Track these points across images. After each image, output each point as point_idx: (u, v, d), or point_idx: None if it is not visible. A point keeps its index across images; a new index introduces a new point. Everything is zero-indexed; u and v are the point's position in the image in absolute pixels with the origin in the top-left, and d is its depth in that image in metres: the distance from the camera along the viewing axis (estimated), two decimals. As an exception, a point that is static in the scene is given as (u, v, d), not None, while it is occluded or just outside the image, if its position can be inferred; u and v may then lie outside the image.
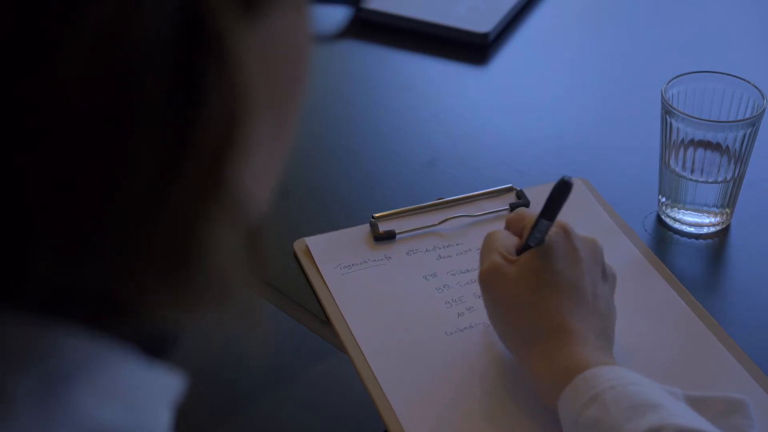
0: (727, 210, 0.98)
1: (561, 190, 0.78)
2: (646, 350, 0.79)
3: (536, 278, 0.77)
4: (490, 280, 0.79)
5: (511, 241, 0.81)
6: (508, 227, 0.84)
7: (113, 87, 0.33)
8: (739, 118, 0.94)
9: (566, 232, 0.79)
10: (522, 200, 0.99)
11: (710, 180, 0.95)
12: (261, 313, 0.39)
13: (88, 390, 0.38)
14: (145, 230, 0.36)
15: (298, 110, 0.44)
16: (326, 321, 0.88)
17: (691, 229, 0.98)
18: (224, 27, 0.35)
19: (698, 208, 0.97)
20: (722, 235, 0.98)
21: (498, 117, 1.16)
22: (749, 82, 0.95)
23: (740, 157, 0.94)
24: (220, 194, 0.37)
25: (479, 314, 0.87)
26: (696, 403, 0.72)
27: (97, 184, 0.34)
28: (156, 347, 0.41)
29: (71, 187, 0.34)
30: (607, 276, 0.80)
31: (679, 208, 0.97)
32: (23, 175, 0.34)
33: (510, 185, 1.01)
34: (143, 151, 0.34)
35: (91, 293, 0.37)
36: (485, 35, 1.26)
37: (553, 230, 0.78)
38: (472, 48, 1.26)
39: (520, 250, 0.79)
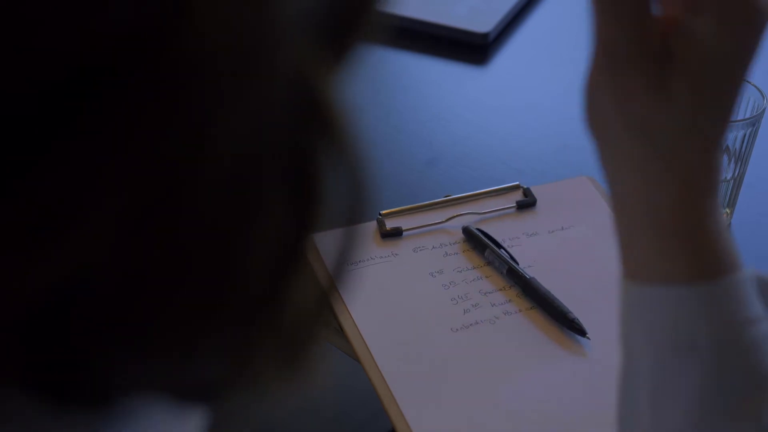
0: (727, 210, 1.01)
1: None
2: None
3: None
4: None
5: None
6: None
7: (240, 185, 0.33)
8: (739, 118, 0.96)
9: None
10: (529, 198, 1.02)
11: (710, 180, 1.00)
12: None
13: None
14: (267, 323, 0.36)
15: None
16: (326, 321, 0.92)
17: (692, 229, 1.02)
18: (330, 98, 0.34)
19: (698, 207, 1.01)
20: (722, 234, 1.03)
21: (498, 117, 1.19)
22: (749, 82, 0.96)
23: (740, 157, 0.96)
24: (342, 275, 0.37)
25: (485, 311, 0.91)
26: None
27: (216, 283, 0.34)
28: (192, 396, 0.40)
29: (193, 288, 0.34)
30: None
31: (679, 208, 1.01)
32: (153, 278, 0.34)
33: (517, 183, 1.04)
34: (265, 247, 0.34)
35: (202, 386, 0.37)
36: (485, 35, 1.29)
37: None
38: (472, 48, 1.29)
39: None
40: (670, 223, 0.55)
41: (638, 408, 0.57)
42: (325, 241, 0.37)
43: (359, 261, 0.96)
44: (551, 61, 1.30)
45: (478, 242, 0.97)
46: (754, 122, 0.96)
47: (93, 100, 0.30)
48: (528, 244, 0.98)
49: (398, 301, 0.92)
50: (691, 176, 0.55)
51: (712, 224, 0.55)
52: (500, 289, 0.94)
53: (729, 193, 1.00)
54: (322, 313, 0.38)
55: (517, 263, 0.94)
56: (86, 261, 0.32)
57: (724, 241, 0.56)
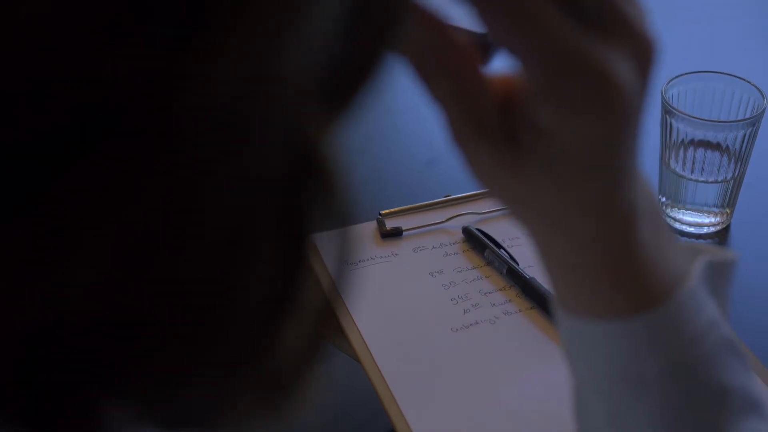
0: (727, 210, 1.01)
1: None
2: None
3: None
4: None
5: None
6: None
7: (229, 234, 0.33)
8: (739, 118, 0.97)
9: None
10: (528, 198, 1.03)
11: (710, 180, 0.99)
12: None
13: None
14: (256, 364, 0.35)
15: None
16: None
17: (691, 229, 1.01)
18: (323, 146, 0.33)
19: (698, 208, 1.01)
20: (722, 235, 1.02)
21: (498, 117, 1.21)
22: (749, 82, 0.98)
23: (740, 157, 0.97)
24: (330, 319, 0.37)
25: (485, 311, 0.92)
26: None
27: (211, 323, 0.34)
28: (178, 426, 0.39)
29: (182, 325, 0.34)
30: None
31: (679, 208, 1.01)
32: (141, 318, 0.33)
33: (517, 183, 1.05)
34: (257, 290, 0.34)
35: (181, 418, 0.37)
36: (485, 35, 1.30)
37: None
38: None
39: None
40: (593, 267, 0.51)
41: None
42: (318, 279, 0.37)
43: (359, 261, 0.96)
44: (551, 61, 1.30)
45: (478, 242, 0.97)
46: (754, 122, 0.96)
47: (91, 146, 0.30)
48: (528, 244, 0.98)
49: (398, 301, 0.93)
50: (589, 234, 0.50)
51: (641, 253, 0.51)
52: (500, 289, 0.94)
53: (729, 193, 1.01)
54: (314, 355, 0.37)
55: (517, 263, 0.95)
56: (75, 297, 0.32)
57: (662, 262, 0.51)
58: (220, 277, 0.33)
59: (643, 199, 0.51)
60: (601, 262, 0.51)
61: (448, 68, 0.48)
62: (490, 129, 0.48)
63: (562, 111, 0.45)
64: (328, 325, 0.37)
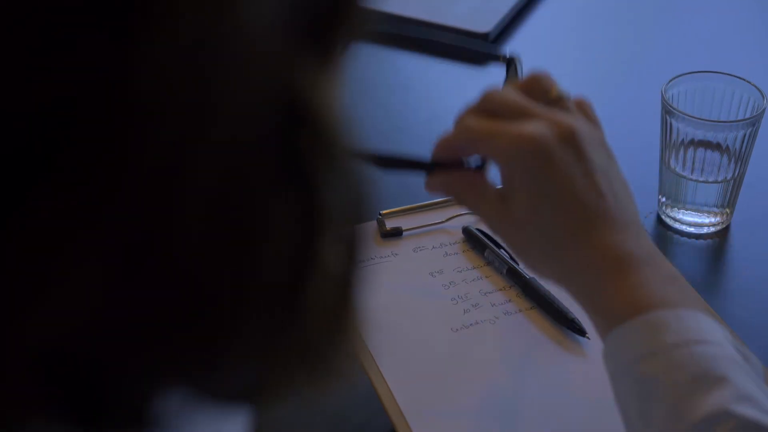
0: (727, 210, 1.01)
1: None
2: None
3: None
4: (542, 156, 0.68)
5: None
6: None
7: (237, 209, 0.33)
8: (739, 118, 0.97)
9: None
10: (528, 197, 1.03)
11: (710, 180, 0.98)
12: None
13: None
14: (287, 332, 0.36)
15: None
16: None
17: (691, 229, 1.01)
18: (313, 96, 0.34)
19: (698, 208, 1.00)
20: (722, 235, 1.02)
21: (498, 117, 1.21)
22: (749, 82, 0.98)
23: (740, 157, 0.97)
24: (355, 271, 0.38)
25: (485, 311, 0.92)
26: None
27: (237, 295, 0.34)
28: (229, 397, 0.39)
29: (211, 303, 0.34)
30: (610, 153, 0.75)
31: (679, 208, 1.01)
32: (169, 302, 0.33)
33: (517, 183, 1.05)
34: (275, 254, 0.34)
35: (230, 390, 0.38)
36: (485, 35, 1.30)
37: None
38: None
39: None
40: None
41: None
42: (335, 242, 0.37)
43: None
44: (551, 62, 1.28)
45: (478, 242, 0.97)
46: (754, 122, 0.96)
47: (58, 155, 0.30)
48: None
49: (398, 300, 0.93)
50: (584, 276, 0.70)
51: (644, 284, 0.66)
52: (500, 289, 0.94)
53: (729, 193, 1.01)
54: (344, 313, 0.38)
55: (517, 263, 0.95)
56: (86, 299, 0.32)
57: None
58: (231, 240, 0.33)
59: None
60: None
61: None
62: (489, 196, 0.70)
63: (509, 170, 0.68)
64: (354, 286, 0.38)
